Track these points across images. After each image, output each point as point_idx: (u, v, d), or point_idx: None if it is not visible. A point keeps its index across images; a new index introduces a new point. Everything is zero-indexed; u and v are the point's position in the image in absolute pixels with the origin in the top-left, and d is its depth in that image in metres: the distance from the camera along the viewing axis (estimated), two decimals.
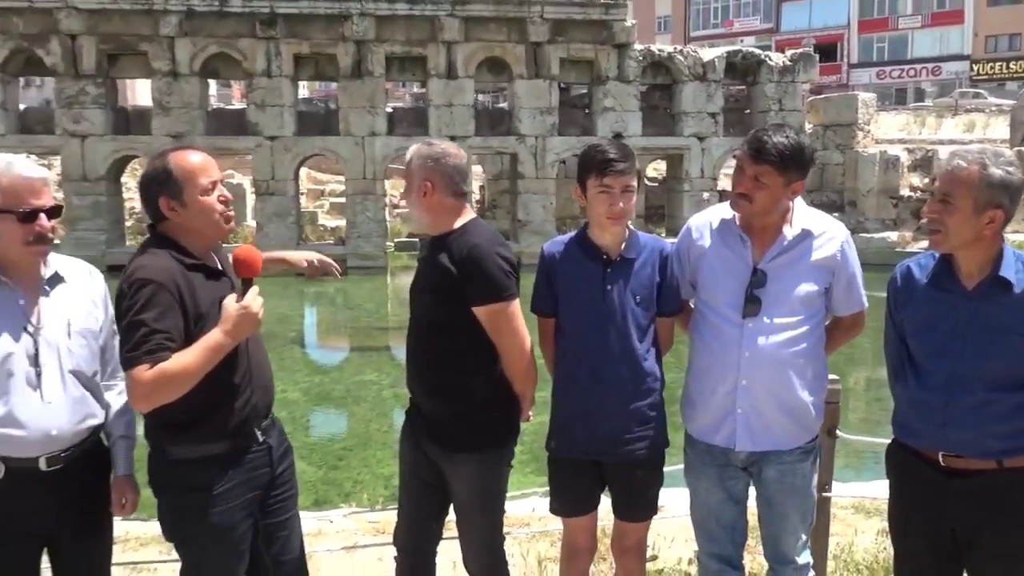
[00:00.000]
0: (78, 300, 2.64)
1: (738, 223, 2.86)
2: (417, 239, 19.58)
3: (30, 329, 2.52)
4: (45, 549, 2.66)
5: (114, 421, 2.74)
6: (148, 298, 2.37)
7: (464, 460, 2.86)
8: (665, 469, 3.07)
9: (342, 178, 21.70)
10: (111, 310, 2.69)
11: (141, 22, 19.03)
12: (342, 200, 22.08)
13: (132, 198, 22.87)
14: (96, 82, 19.12)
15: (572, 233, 3.02)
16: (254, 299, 2.46)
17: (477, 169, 23.75)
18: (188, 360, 2.35)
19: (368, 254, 19.33)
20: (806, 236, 2.81)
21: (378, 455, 7.66)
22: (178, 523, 2.59)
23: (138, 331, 2.34)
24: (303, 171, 22.95)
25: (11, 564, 2.55)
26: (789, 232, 2.81)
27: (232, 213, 2.63)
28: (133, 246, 19.56)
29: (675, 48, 22.23)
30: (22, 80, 21.56)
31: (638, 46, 20.84)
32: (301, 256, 3.20)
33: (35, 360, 2.51)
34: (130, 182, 21.86)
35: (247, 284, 2.51)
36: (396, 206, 24.61)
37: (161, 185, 2.52)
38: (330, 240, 22.06)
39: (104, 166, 19.25)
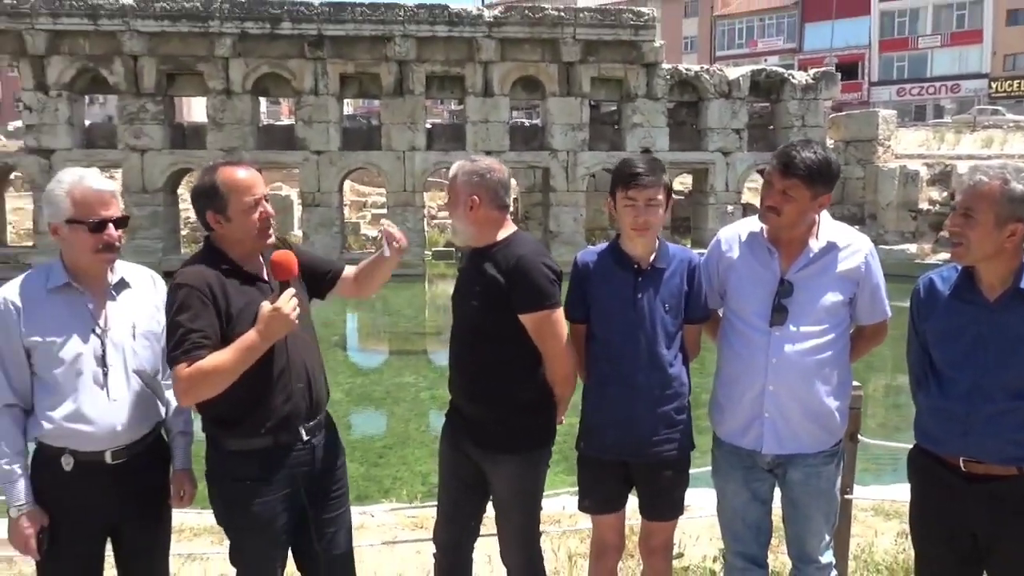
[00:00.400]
0: (142, 304, 2.69)
1: (766, 235, 2.84)
2: (455, 249, 19.66)
3: (98, 331, 2.58)
4: (108, 538, 2.70)
5: (173, 418, 2.78)
6: (182, 301, 2.45)
7: (506, 461, 2.87)
8: (691, 471, 3.05)
9: (383, 190, 21.85)
10: None
11: (198, 44, 19.33)
12: (383, 211, 22.24)
13: (187, 208, 23.25)
14: (155, 100, 19.46)
15: (605, 243, 3.02)
16: (287, 301, 2.46)
17: (512, 182, 23.83)
18: (223, 359, 2.40)
19: (407, 262, 19.35)
20: (831, 248, 2.79)
21: (416, 453, 7.69)
22: (225, 510, 2.65)
23: (176, 332, 2.43)
24: (347, 184, 23.13)
25: (78, 551, 2.59)
26: (815, 244, 2.78)
27: (271, 228, 2.64)
28: (188, 254, 19.83)
29: (701, 67, 22.14)
30: (87, 98, 21.99)
31: (666, 65, 20.78)
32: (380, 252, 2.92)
33: (102, 360, 2.56)
34: (185, 193, 22.22)
35: (284, 287, 2.52)
36: (434, 217, 24.74)
37: (208, 199, 2.57)
38: (371, 249, 22.20)
39: (162, 179, 19.57)
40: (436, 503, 3.15)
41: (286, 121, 31.19)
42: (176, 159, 19.75)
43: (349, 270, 3.00)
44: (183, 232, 21.85)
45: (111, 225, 2.56)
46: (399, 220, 19.93)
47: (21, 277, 2.61)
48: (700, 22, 57.21)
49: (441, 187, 26.36)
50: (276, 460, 2.59)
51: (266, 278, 2.65)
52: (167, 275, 2.76)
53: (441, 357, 3.26)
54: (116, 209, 2.59)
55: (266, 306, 2.45)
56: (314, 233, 19.87)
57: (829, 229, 2.82)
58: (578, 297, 2.97)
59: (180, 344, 2.41)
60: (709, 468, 3.09)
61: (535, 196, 22.98)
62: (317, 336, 2.87)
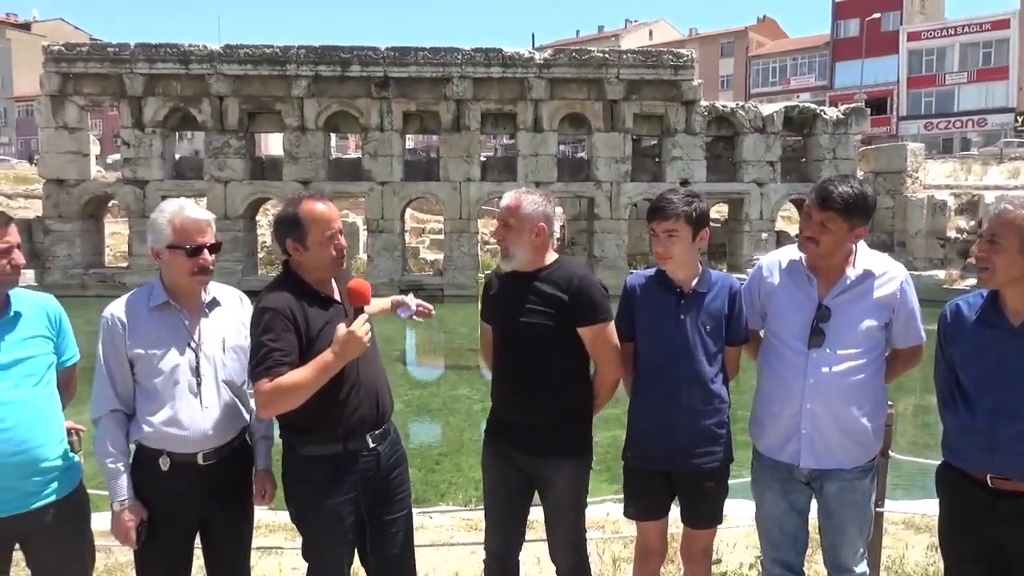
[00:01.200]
0: (231, 321, 2.78)
1: (805, 263, 2.83)
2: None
3: (192, 345, 2.67)
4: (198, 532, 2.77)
5: (256, 424, 2.84)
6: (266, 323, 2.52)
7: (563, 465, 2.89)
8: (729, 482, 3.02)
9: (441, 218, 22.06)
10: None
11: (276, 85, 19.84)
12: (441, 237, 22.44)
13: (264, 234, 23.71)
14: (238, 136, 20.00)
15: (652, 269, 3.04)
16: (360, 325, 2.51)
17: (558, 211, 23.80)
18: (301, 376, 2.47)
19: (462, 284, 19.54)
20: (868, 276, 2.76)
21: (469, 460, 7.70)
22: (297, 508, 2.70)
23: (260, 351, 2.49)
24: (408, 211, 23.43)
25: (171, 542, 2.67)
26: (852, 272, 2.76)
27: (344, 258, 2.71)
28: (264, 275, 20.24)
29: (737, 104, 21.98)
30: (177, 134, 22.68)
31: (703, 102, 20.68)
32: (391, 299, 3.24)
33: (196, 371, 2.65)
34: (263, 220, 22.70)
35: (358, 312, 2.56)
36: (487, 243, 24.84)
37: (289, 229, 2.64)
38: (429, 272, 22.39)
39: (242, 207, 20.04)
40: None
41: (353, 154, 31.75)
42: (255, 189, 20.24)
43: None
44: (260, 255, 22.30)
45: (206, 250, 2.67)
46: (455, 245, 20.10)
47: (126, 296, 2.71)
48: (736, 62, 56.86)
49: (494, 215, 26.51)
50: (345, 465, 2.63)
51: (340, 300, 2.70)
52: (249, 294, 2.85)
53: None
54: (211, 236, 2.70)
55: (342, 329, 2.50)
56: (378, 256, 20.15)
57: (866, 258, 2.80)
58: (626, 316, 2.99)
59: (263, 361, 2.48)
60: (746, 480, 3.06)
61: (580, 224, 22.99)
62: (380, 352, 2.92)
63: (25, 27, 65.88)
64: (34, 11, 68.17)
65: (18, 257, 2.50)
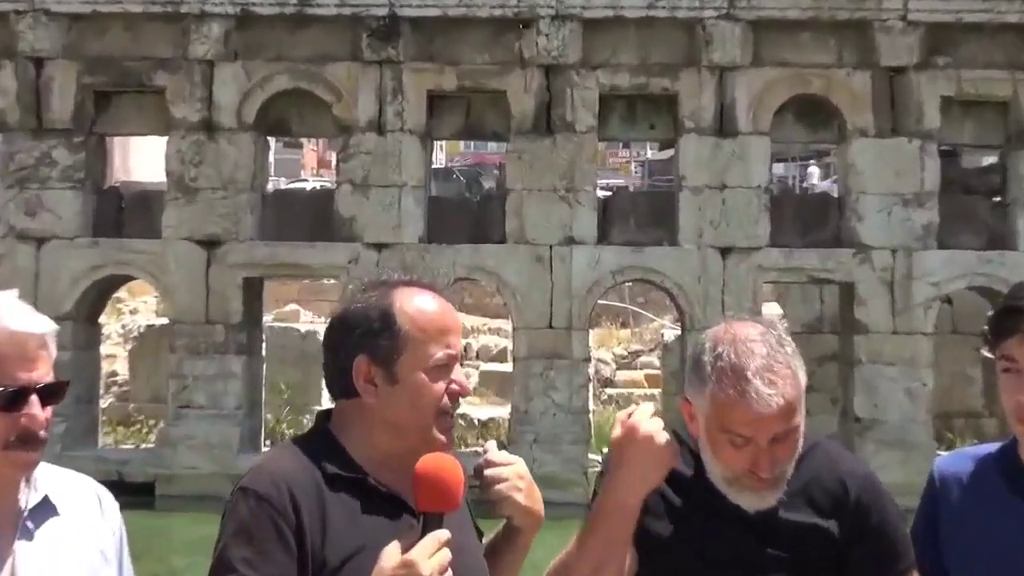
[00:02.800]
0: (77, 547, 2.94)
1: None
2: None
3: None
4: None
5: None
6: (243, 523, 2.72)
7: None
8: None
9: (504, 324, 22.23)
10: (127, 560, 3.05)
11: (157, 37, 20.63)
12: (504, 368, 22.56)
13: (114, 355, 24.23)
14: (71, 142, 20.61)
15: (988, 446, 3.13)
16: (428, 550, 2.62)
17: (774, 309, 23.74)
18: None
19: (552, 477, 18.82)
20: None
21: None
22: None
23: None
24: None
25: None
26: None
27: (452, 421, 2.93)
28: (108, 448, 20.59)
29: None
30: None
31: None
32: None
33: None
34: (113, 325, 23.19)
35: (430, 523, 2.68)
36: (609, 382, 24.73)
37: (371, 337, 2.87)
38: (480, 445, 22.25)
39: (73, 295, 20.41)
40: None
41: (314, 182, 32.52)
42: (103, 257, 20.68)
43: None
44: (103, 403, 22.67)
45: (34, 398, 2.85)
46: (540, 385, 19.94)
47: None
48: None
49: (619, 314, 26.57)
50: None
51: (410, 504, 2.85)
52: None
53: None
54: (46, 368, 2.90)
55: (390, 556, 2.63)
56: None
57: None
58: (930, 537, 3.12)
59: None
60: None
61: (822, 341, 22.85)
62: None
63: None
64: None
65: None
